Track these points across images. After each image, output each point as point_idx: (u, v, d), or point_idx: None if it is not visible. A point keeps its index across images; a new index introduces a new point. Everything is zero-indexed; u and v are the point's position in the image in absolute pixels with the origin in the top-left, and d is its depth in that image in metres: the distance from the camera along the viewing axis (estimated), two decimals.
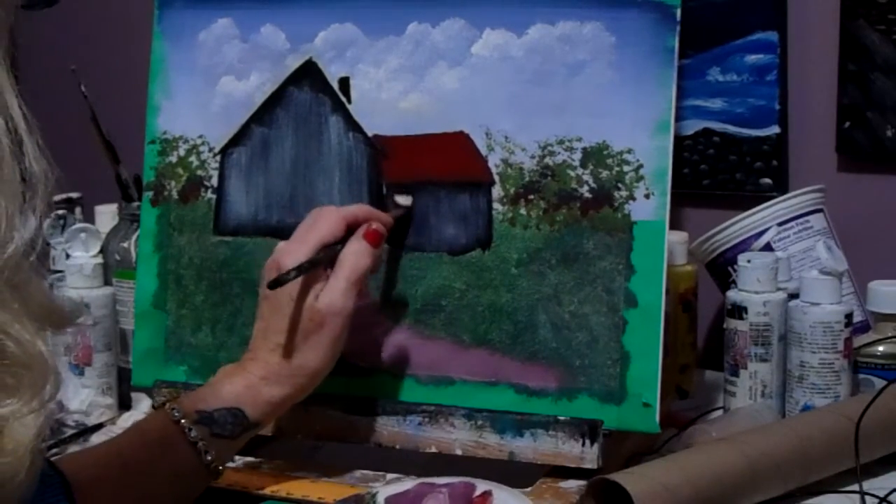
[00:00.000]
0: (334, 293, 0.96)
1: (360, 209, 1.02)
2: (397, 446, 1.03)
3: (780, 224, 1.23)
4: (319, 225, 0.99)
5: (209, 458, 0.93)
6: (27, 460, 0.63)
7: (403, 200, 1.05)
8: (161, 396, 1.08)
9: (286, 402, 0.97)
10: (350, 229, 0.99)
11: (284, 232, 1.08)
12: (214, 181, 1.12)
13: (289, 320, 0.96)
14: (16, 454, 0.62)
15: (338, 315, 0.96)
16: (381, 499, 0.88)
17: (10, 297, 0.63)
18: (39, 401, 0.63)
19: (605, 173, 1.00)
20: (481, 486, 0.83)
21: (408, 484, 0.88)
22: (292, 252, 0.97)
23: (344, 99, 1.08)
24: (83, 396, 1.17)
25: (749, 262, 1.11)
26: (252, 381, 0.96)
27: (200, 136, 1.13)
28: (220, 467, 0.94)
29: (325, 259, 0.97)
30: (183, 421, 0.93)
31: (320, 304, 0.96)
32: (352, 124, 1.08)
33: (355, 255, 0.98)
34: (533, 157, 1.02)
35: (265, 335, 0.97)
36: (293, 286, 0.96)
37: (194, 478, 0.94)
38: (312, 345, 0.96)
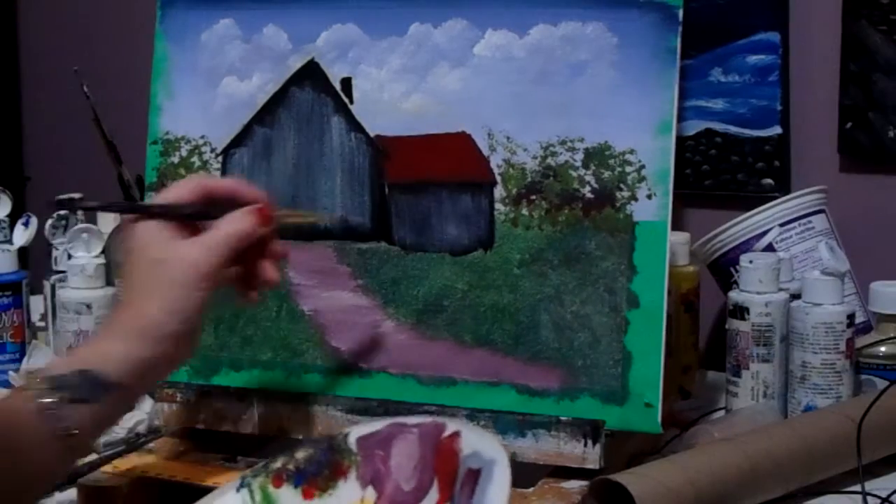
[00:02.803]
0: (192, 247, 0.91)
1: (227, 181, 1.00)
2: None
3: (782, 225, 1.23)
4: (172, 186, 0.96)
5: (63, 425, 0.84)
6: None
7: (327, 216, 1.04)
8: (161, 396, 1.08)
9: (149, 360, 0.89)
10: (211, 198, 0.95)
11: (286, 232, 1.08)
12: None
13: (136, 273, 0.92)
14: None
15: (190, 268, 0.90)
16: (352, 439, 0.88)
17: None
18: None
19: (607, 174, 1.00)
20: (451, 425, 0.83)
21: (379, 424, 0.88)
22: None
23: (346, 99, 1.08)
24: None
25: (751, 262, 1.11)
26: (103, 341, 0.90)
27: (202, 137, 1.13)
28: (85, 437, 0.86)
29: (155, 209, 0.93)
30: (34, 389, 0.85)
31: (172, 255, 0.90)
32: (354, 125, 1.08)
33: (233, 220, 0.93)
34: (535, 157, 1.02)
35: (121, 295, 0.94)
36: (148, 238, 0.91)
37: (50, 448, 0.84)
38: (157, 298, 0.89)
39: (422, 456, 0.83)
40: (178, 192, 0.95)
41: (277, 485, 0.88)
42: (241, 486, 0.88)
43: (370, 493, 0.85)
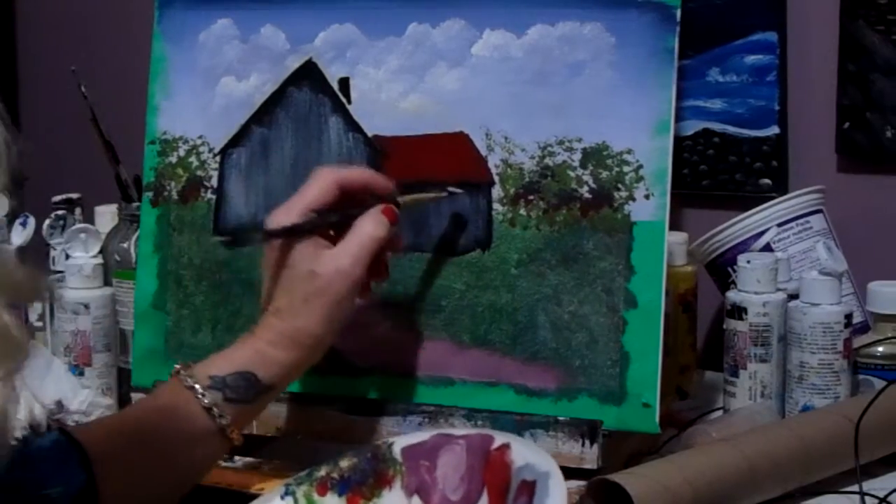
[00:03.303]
0: (341, 257, 0.95)
1: (359, 173, 1.01)
2: None
3: (779, 225, 1.23)
4: (308, 189, 0.97)
5: (223, 422, 0.92)
6: None
7: (453, 189, 1.03)
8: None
9: (296, 366, 0.96)
10: (346, 194, 0.98)
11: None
12: (214, 182, 1.12)
13: (288, 283, 0.95)
14: None
15: (343, 278, 0.94)
16: (397, 449, 0.87)
17: None
18: (5, 370, 0.61)
19: (604, 174, 1.00)
20: (499, 438, 0.83)
21: (424, 435, 0.88)
22: (277, 217, 0.97)
23: (344, 99, 1.08)
24: (83, 397, 1.17)
25: (749, 262, 1.11)
26: (260, 346, 0.95)
27: (200, 137, 1.13)
28: (237, 434, 0.93)
29: (307, 226, 0.96)
30: (196, 386, 0.92)
31: (324, 267, 0.94)
32: (352, 125, 1.08)
33: (371, 223, 0.96)
34: (533, 157, 1.02)
35: (269, 300, 0.97)
36: (297, 251, 0.95)
37: (210, 444, 0.92)
38: (313, 308, 0.94)
39: (469, 466, 0.83)
40: (315, 194, 0.97)
41: (322, 493, 0.88)
42: (286, 493, 0.88)
43: (416, 502, 0.85)
